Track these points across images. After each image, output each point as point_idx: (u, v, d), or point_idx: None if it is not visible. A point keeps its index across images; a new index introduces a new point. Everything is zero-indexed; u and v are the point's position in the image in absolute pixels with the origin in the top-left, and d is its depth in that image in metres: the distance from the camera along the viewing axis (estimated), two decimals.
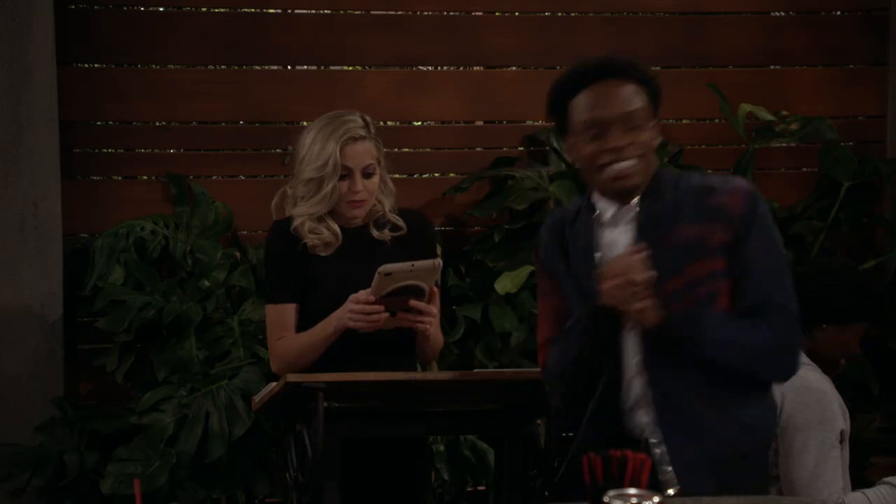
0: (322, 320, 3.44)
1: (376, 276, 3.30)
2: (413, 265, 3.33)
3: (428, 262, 3.37)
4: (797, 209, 4.64)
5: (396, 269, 3.31)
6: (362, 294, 3.32)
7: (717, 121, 4.75)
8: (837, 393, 3.32)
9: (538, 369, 2.88)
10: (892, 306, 4.37)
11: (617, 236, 2.73)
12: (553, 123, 2.82)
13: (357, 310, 3.31)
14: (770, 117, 4.56)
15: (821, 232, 4.54)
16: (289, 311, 3.53)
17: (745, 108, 4.55)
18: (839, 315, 3.38)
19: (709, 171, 4.67)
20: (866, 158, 4.60)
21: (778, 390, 3.24)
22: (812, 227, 4.57)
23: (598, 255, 2.73)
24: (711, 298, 2.63)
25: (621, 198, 2.70)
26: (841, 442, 3.29)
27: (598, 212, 2.75)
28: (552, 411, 3.33)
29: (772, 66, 4.85)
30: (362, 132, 3.49)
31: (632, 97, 2.66)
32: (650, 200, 2.70)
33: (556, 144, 4.60)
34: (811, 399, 3.27)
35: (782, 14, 4.85)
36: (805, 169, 4.81)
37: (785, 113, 4.62)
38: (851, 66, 4.82)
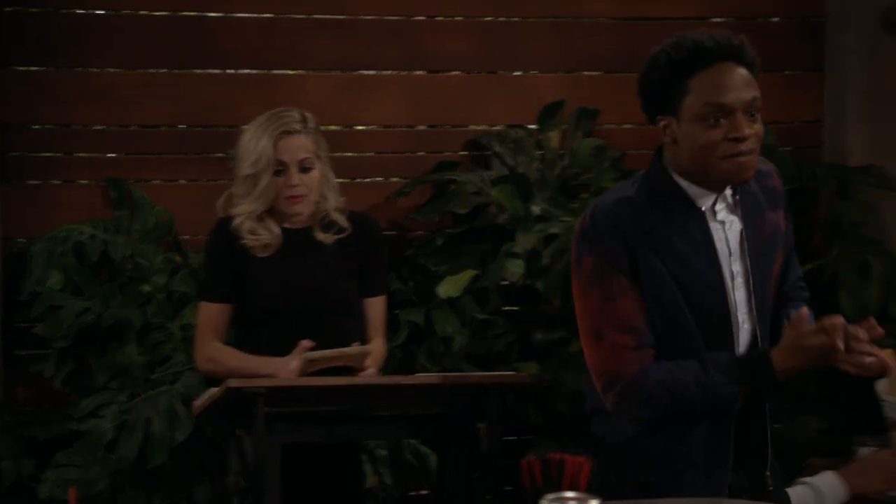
0: (261, 327, 3.44)
1: (301, 358, 3.31)
2: (340, 352, 3.34)
3: (355, 350, 3.39)
4: None
5: (320, 357, 3.33)
6: (295, 365, 3.32)
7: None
8: None
9: (481, 373, 2.86)
10: (827, 308, 4.40)
11: (719, 229, 2.60)
12: (649, 101, 2.59)
13: (290, 376, 3.34)
14: None
15: None
16: (220, 310, 3.52)
17: None
18: None
19: None
20: (803, 163, 4.64)
21: None
22: None
23: (718, 247, 2.58)
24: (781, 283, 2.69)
25: (719, 188, 2.57)
26: None
27: (703, 204, 2.57)
28: (491, 416, 3.34)
29: None
30: (297, 126, 3.47)
31: (752, 84, 2.55)
32: (741, 189, 2.61)
33: (498, 149, 4.60)
34: None
35: (722, 20, 4.86)
36: None
37: None
38: (789, 72, 4.85)
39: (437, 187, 4.60)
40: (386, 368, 4.06)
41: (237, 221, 3.47)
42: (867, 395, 3.99)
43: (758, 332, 2.59)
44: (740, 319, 2.59)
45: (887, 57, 4.62)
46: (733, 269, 2.59)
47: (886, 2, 4.59)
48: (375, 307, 3.65)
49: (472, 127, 4.76)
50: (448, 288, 4.34)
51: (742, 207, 2.60)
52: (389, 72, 4.70)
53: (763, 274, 2.60)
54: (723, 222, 2.59)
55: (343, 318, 3.55)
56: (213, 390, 3.32)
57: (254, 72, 4.61)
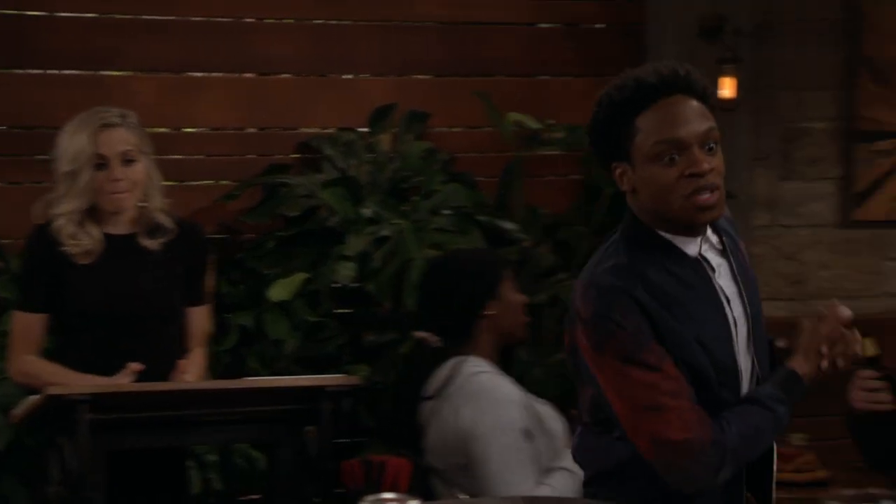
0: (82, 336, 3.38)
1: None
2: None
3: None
4: (564, 216, 4.72)
5: None
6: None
7: (486, 129, 4.79)
8: (516, 388, 3.35)
9: (310, 376, 2.82)
10: None
11: (717, 272, 2.40)
12: (599, 149, 2.41)
13: None
14: (537, 126, 4.63)
15: (586, 237, 4.62)
16: (37, 321, 3.43)
17: (513, 116, 4.61)
18: (491, 290, 3.43)
19: (481, 177, 4.75)
20: None
21: (452, 402, 3.30)
22: (578, 233, 4.65)
23: (721, 296, 2.37)
24: None
25: (696, 230, 2.36)
26: (531, 437, 3.32)
27: (692, 252, 2.36)
28: (322, 419, 3.33)
29: (539, 77, 4.92)
30: (116, 120, 3.41)
31: (705, 115, 2.33)
32: (721, 232, 2.43)
33: (329, 151, 4.59)
34: (486, 408, 3.28)
35: (549, 26, 4.93)
36: (571, 176, 4.88)
37: (551, 121, 4.69)
38: (612, 78, 4.90)
39: (268, 190, 4.55)
40: (214, 372, 4.01)
41: (57, 225, 3.38)
42: None
43: (753, 381, 2.41)
44: (742, 367, 2.40)
45: (703, 63, 4.72)
46: (735, 315, 2.39)
47: (703, 10, 4.72)
48: (198, 316, 3.60)
49: (303, 130, 4.73)
50: (279, 291, 4.31)
51: (727, 250, 2.43)
52: (218, 73, 4.65)
53: (757, 311, 2.43)
54: (714, 269, 2.39)
55: (166, 324, 3.50)
56: (33, 398, 3.24)
57: (77, 72, 4.50)
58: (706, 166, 2.28)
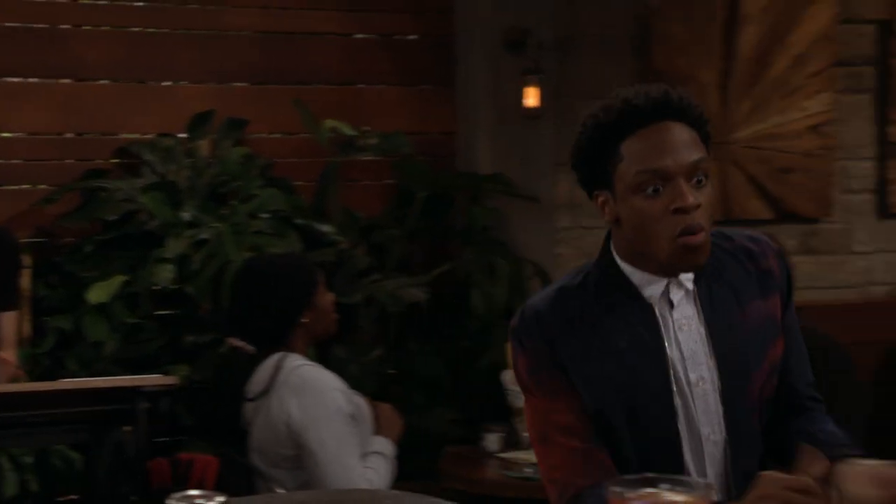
0: None
1: None
2: None
3: None
4: (379, 219, 4.69)
5: None
6: None
7: (304, 135, 4.71)
8: (337, 379, 3.32)
9: (125, 377, 2.71)
10: (461, 306, 4.51)
11: (674, 326, 2.10)
12: (582, 174, 2.12)
13: None
14: (352, 132, 4.58)
15: (400, 240, 4.60)
16: None
17: (329, 123, 4.56)
18: (307, 299, 3.38)
19: (299, 182, 4.67)
20: (439, 172, 4.72)
21: (279, 397, 3.25)
22: (392, 236, 4.62)
23: (668, 351, 2.08)
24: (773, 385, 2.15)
25: (676, 274, 2.08)
26: (356, 422, 3.29)
27: (651, 293, 2.08)
28: (138, 419, 3.22)
29: (354, 85, 4.86)
30: None
31: (694, 144, 2.04)
32: (706, 279, 2.11)
33: (148, 157, 4.45)
34: (312, 397, 3.25)
35: (363, 37, 4.88)
36: (385, 181, 4.84)
37: (366, 128, 4.65)
38: (424, 87, 4.92)
39: (86, 194, 4.38)
40: (33, 375, 3.86)
41: None
42: (493, 385, 4.10)
43: (728, 448, 2.11)
44: (705, 433, 2.09)
45: (509, 73, 4.75)
46: (690, 377, 2.09)
47: (508, 23, 4.73)
48: (6, 321, 3.48)
49: (123, 136, 4.57)
50: (98, 293, 4.14)
51: (705, 301, 2.11)
52: (35, 79, 4.45)
53: (740, 379, 2.09)
54: (679, 319, 2.10)
55: None
56: None
57: None
58: (692, 201, 2.00)
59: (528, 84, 4.70)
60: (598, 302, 2.10)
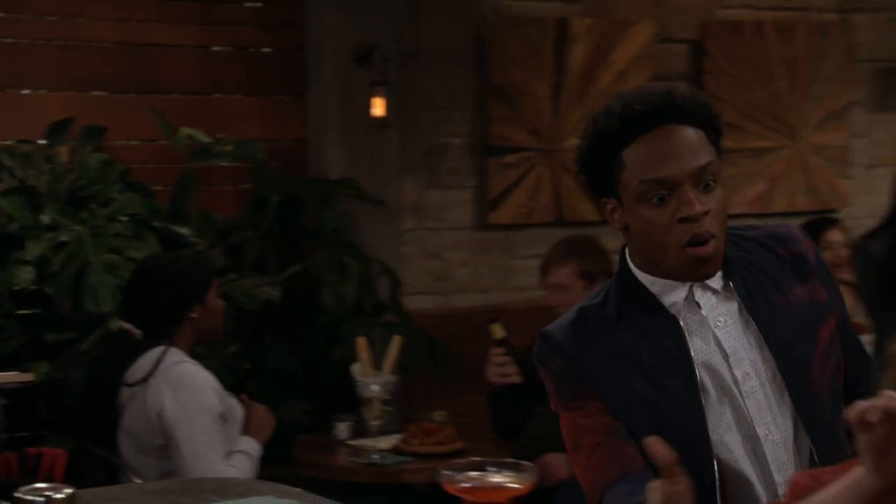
0: None
1: None
2: None
3: None
4: (235, 221, 4.66)
5: None
6: None
7: (161, 142, 4.65)
8: (213, 377, 3.34)
9: None
10: (312, 303, 4.51)
11: (704, 328, 1.89)
12: (587, 180, 1.93)
13: None
14: (207, 140, 4.55)
15: (255, 241, 4.58)
16: None
17: (186, 131, 4.51)
18: (199, 296, 3.39)
19: (158, 186, 4.62)
20: (292, 177, 4.71)
21: (156, 388, 3.25)
22: (247, 238, 4.60)
23: (697, 367, 1.87)
24: (839, 366, 1.94)
25: (691, 280, 1.89)
26: (224, 421, 3.31)
27: (673, 300, 1.89)
28: None
29: (210, 95, 4.83)
30: None
31: (701, 148, 1.85)
32: (731, 272, 1.91)
33: (7, 162, 4.34)
34: (187, 394, 3.26)
35: (219, 49, 4.84)
36: (241, 186, 4.82)
37: (221, 136, 4.62)
38: (278, 97, 4.91)
39: None
40: None
41: None
42: (344, 378, 4.12)
43: (797, 447, 1.89)
44: (762, 433, 1.86)
45: (357, 85, 4.78)
46: (736, 375, 1.88)
47: (356, 38, 4.75)
48: None
49: None
50: None
51: (742, 292, 1.90)
52: None
53: (799, 368, 1.88)
54: (714, 317, 1.90)
55: None
56: None
57: None
58: (699, 208, 1.81)
59: (375, 95, 4.70)
60: (620, 317, 1.92)
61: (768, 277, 1.92)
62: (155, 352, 3.32)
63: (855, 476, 1.41)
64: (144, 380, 3.29)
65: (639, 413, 1.88)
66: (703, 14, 5.36)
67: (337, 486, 3.72)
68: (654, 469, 1.76)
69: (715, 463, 1.86)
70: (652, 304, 1.91)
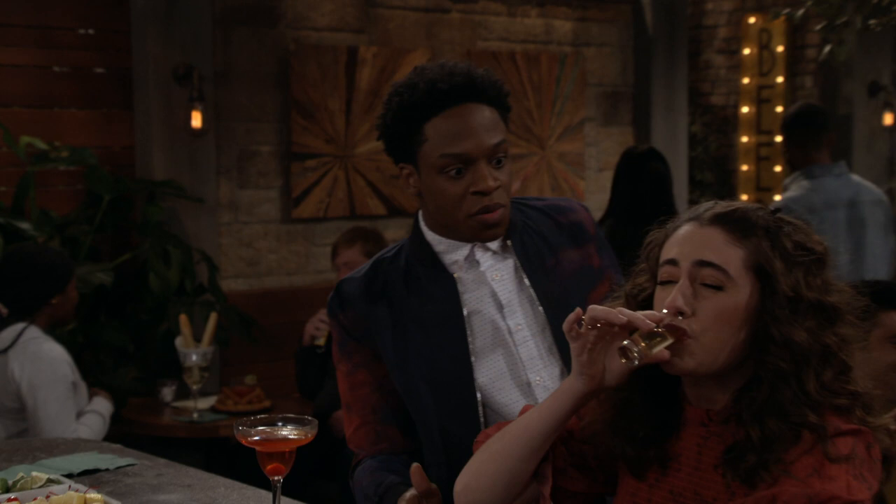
0: None
1: None
2: None
3: None
4: (71, 217, 4.59)
5: None
6: None
7: (3, 149, 4.53)
8: (66, 353, 3.36)
9: None
10: (140, 286, 4.49)
11: (485, 285, 1.80)
12: (388, 146, 1.79)
13: None
14: (45, 147, 4.46)
15: (89, 234, 4.52)
16: None
17: (25, 139, 4.42)
18: (60, 286, 3.42)
19: (2, 188, 4.51)
20: (121, 178, 4.66)
21: (16, 359, 3.25)
22: (83, 231, 4.53)
23: (471, 319, 1.78)
24: None
25: (477, 241, 1.80)
26: (76, 388, 3.34)
27: (456, 258, 1.79)
28: None
29: (49, 108, 4.72)
30: None
31: (496, 127, 1.75)
32: (513, 234, 1.82)
33: None
34: (44, 365, 3.28)
35: (58, 69, 4.74)
36: (76, 187, 4.75)
37: (58, 143, 4.54)
38: (107, 110, 4.83)
39: None
40: None
41: None
42: (168, 349, 4.13)
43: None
44: (533, 380, 1.77)
45: (177, 100, 4.75)
46: (510, 324, 1.78)
47: (176, 59, 4.72)
48: None
49: None
50: None
51: (519, 251, 1.81)
52: None
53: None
54: (492, 272, 1.80)
55: None
56: None
57: None
58: (492, 183, 1.73)
59: (193, 109, 4.70)
60: (407, 274, 1.81)
61: (544, 241, 1.84)
62: (17, 327, 3.31)
63: (565, 381, 1.41)
64: (5, 350, 3.28)
65: (415, 367, 1.78)
66: (468, 44, 5.55)
67: (162, 442, 3.75)
68: (410, 452, 1.79)
69: (480, 409, 1.77)
70: (435, 262, 1.81)
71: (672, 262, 1.40)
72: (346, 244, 3.95)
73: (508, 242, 1.81)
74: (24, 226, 4.31)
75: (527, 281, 1.79)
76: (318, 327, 3.84)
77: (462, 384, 1.77)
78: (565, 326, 1.38)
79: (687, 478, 1.40)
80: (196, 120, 4.72)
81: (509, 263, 1.81)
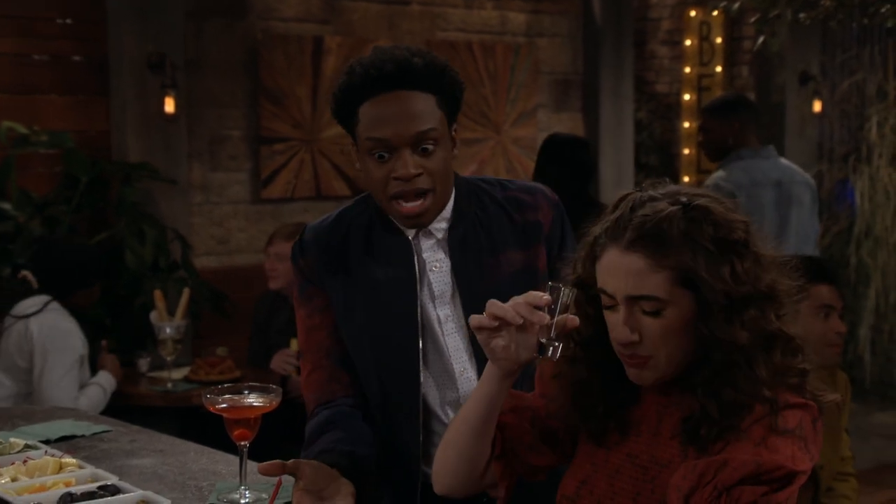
0: None
1: None
2: None
3: None
4: (50, 198, 4.56)
5: None
6: None
7: None
8: (82, 332, 3.46)
9: None
10: (115, 262, 4.47)
11: (427, 277, 1.74)
12: (337, 120, 1.75)
13: None
14: (25, 131, 4.42)
15: (68, 214, 4.49)
16: None
17: (6, 124, 4.37)
18: (93, 281, 3.48)
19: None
20: (98, 161, 4.62)
21: (36, 324, 3.27)
22: (62, 211, 4.50)
23: (419, 290, 1.73)
24: None
25: (406, 227, 1.74)
26: (82, 362, 3.37)
27: (408, 234, 1.74)
28: None
29: (30, 94, 4.67)
30: None
31: (424, 114, 1.67)
32: (456, 226, 1.75)
33: None
34: (59, 335, 3.35)
35: (38, 57, 4.68)
36: (55, 169, 4.70)
37: (37, 128, 4.49)
38: (85, 96, 4.80)
39: None
40: None
41: None
42: (144, 323, 4.12)
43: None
44: (458, 369, 1.74)
45: (151, 87, 4.72)
46: (440, 314, 1.74)
47: (149, 48, 4.68)
48: None
49: None
50: None
51: (455, 244, 1.74)
52: None
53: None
54: (431, 261, 1.74)
55: None
56: None
57: None
58: (412, 171, 1.66)
59: (166, 95, 4.67)
60: (368, 232, 1.76)
61: (489, 238, 1.76)
62: (42, 297, 3.40)
63: (486, 367, 1.44)
64: (28, 316, 3.35)
65: (361, 324, 1.74)
66: (427, 34, 5.55)
67: (138, 410, 3.74)
68: (359, 398, 1.75)
69: (421, 376, 1.74)
70: (396, 229, 1.75)
71: (608, 294, 1.37)
72: (283, 236, 3.85)
73: (447, 236, 1.75)
74: (6, 206, 4.28)
75: (458, 277, 1.74)
76: (284, 368, 3.76)
77: (407, 360, 1.73)
78: (473, 323, 1.39)
79: (645, 443, 1.40)
80: (169, 106, 4.69)
81: (444, 255, 1.76)
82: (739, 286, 1.32)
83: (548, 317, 1.37)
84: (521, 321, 1.35)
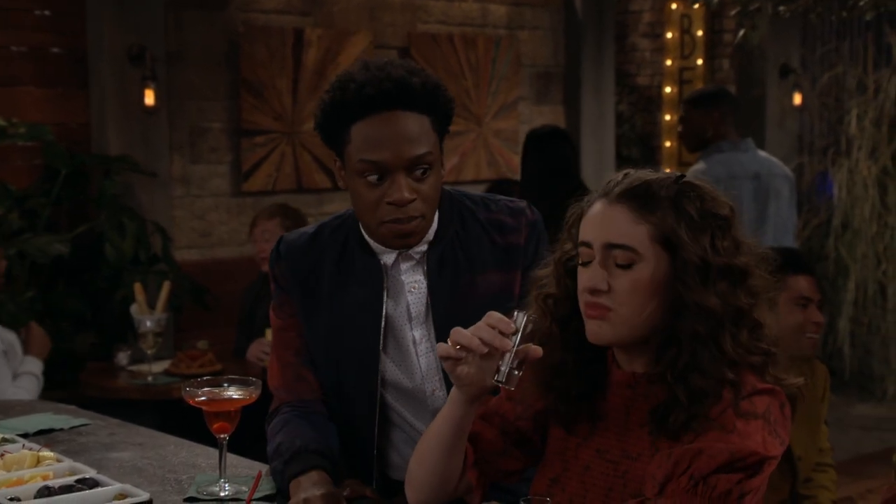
0: None
1: None
2: None
3: None
4: (29, 190, 4.53)
5: None
6: None
7: None
8: None
9: None
10: (95, 256, 4.45)
11: (402, 289, 1.72)
12: (324, 139, 1.69)
13: None
14: (4, 123, 4.38)
15: (47, 207, 4.47)
16: None
17: None
18: None
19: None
20: (77, 154, 4.60)
21: None
22: (41, 204, 4.48)
23: (389, 311, 1.71)
24: None
25: (392, 248, 1.70)
26: (5, 355, 3.34)
27: (385, 259, 1.71)
28: None
29: (8, 87, 4.62)
30: None
31: (420, 137, 1.61)
32: (435, 245, 1.71)
33: None
34: None
35: (16, 49, 4.65)
36: (34, 161, 4.67)
37: (16, 120, 4.46)
38: (65, 89, 4.76)
39: None
40: None
41: None
42: (124, 316, 4.10)
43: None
44: (428, 389, 1.73)
45: (131, 79, 4.70)
46: (415, 335, 1.72)
47: (129, 41, 4.65)
48: None
49: None
50: None
51: (433, 266, 1.70)
52: None
53: None
54: (409, 283, 1.72)
55: None
56: None
57: None
58: (407, 195, 1.61)
59: (146, 87, 4.65)
60: (343, 251, 1.73)
61: (468, 259, 1.72)
62: None
63: (452, 390, 1.45)
64: None
65: (323, 343, 1.75)
66: (409, 27, 5.55)
67: (119, 404, 3.72)
68: (323, 401, 1.77)
69: (378, 397, 1.73)
70: (371, 251, 1.72)
71: (586, 244, 1.40)
72: (266, 217, 3.93)
73: (427, 255, 1.71)
74: None
75: (432, 299, 1.71)
76: (260, 358, 3.76)
77: (366, 374, 1.73)
78: (440, 352, 1.38)
79: (614, 437, 1.41)
80: (149, 98, 4.67)
81: (422, 276, 1.73)
82: (716, 256, 1.34)
83: (511, 343, 1.36)
84: (485, 350, 1.36)
